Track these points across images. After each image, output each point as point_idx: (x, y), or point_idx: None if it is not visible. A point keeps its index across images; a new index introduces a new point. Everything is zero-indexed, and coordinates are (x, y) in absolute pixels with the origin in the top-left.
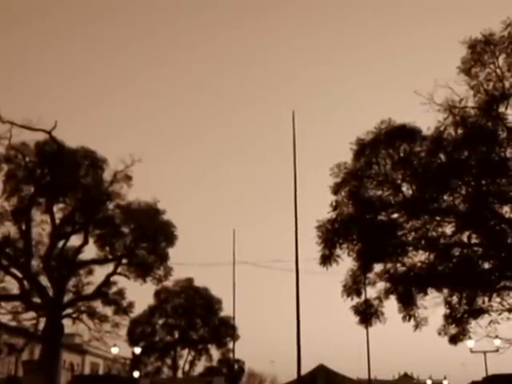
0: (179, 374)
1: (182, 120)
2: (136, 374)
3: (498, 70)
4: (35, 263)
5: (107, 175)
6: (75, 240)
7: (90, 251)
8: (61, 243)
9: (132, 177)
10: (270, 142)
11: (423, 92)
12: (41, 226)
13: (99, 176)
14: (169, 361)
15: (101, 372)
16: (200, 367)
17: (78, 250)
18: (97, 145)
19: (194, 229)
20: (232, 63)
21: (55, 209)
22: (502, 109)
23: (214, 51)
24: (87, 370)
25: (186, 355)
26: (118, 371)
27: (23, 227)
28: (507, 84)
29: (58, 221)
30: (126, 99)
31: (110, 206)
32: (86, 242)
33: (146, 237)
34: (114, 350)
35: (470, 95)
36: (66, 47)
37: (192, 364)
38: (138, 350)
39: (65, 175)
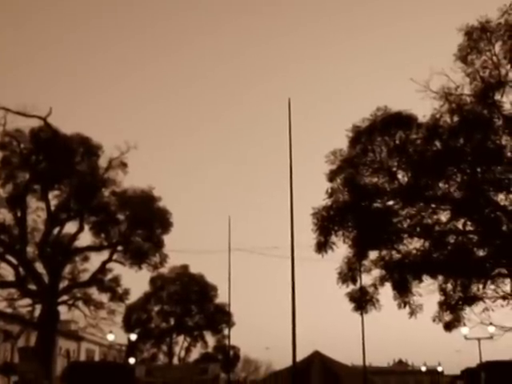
0: (175, 360)
1: (178, 107)
2: (132, 360)
3: (495, 58)
4: (30, 250)
5: (102, 162)
6: (70, 227)
7: (86, 238)
8: (56, 230)
9: (127, 164)
10: (265, 129)
11: (419, 79)
12: (36, 213)
13: (94, 163)
14: (164, 347)
15: (97, 359)
16: (195, 354)
17: (74, 236)
18: (92, 131)
19: (189, 216)
20: (228, 51)
21: (50, 196)
22: (497, 96)
23: (211, 40)
24: (83, 357)
25: (181, 342)
26: (114, 358)
27: (18, 214)
28: (503, 71)
29: (53, 208)
30: (121, 86)
31: (106, 192)
32: (81, 229)
33: (141, 224)
34: (110, 337)
35: (466, 83)
36: (62, 34)
37: (187, 350)
38: (133, 337)
39: (60, 162)
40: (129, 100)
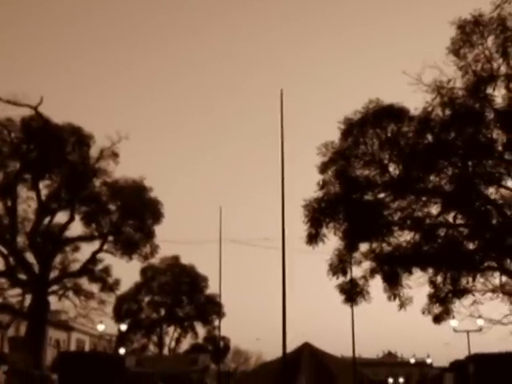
0: (165, 351)
1: (170, 98)
2: (122, 350)
3: (487, 51)
4: (21, 240)
5: (94, 152)
6: (61, 217)
7: (76, 228)
8: (47, 220)
9: (119, 154)
10: (257, 120)
11: (412, 72)
12: (26, 203)
13: (85, 153)
14: (155, 338)
15: (87, 349)
16: (186, 344)
17: (64, 226)
18: (83, 121)
19: (180, 206)
20: (220, 43)
21: (41, 185)
22: (489, 90)
23: (203, 32)
24: (73, 347)
25: (171, 332)
26: (104, 348)
27: (9, 203)
28: (495, 65)
29: (43, 197)
30: (113, 76)
31: (97, 182)
32: (72, 219)
33: (132, 214)
34: (100, 327)
35: (459, 76)
36: (53, 22)
37: (178, 341)
38: (124, 327)
39: (51, 151)
40: (121, 90)
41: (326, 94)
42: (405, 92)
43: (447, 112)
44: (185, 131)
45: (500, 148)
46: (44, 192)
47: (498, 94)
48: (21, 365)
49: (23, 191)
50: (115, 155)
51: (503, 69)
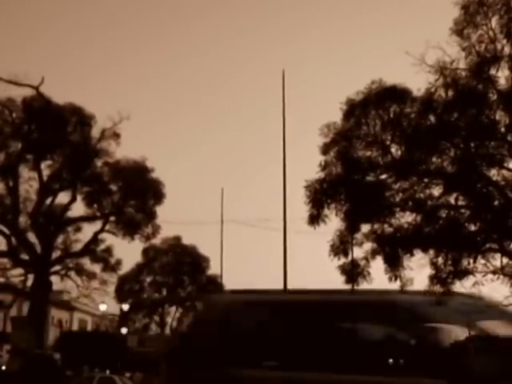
0: (167, 330)
1: (172, 79)
2: (124, 330)
3: (491, 32)
4: (23, 220)
5: (95, 132)
6: (63, 197)
7: (78, 208)
8: (48, 200)
9: (120, 134)
10: (259, 101)
11: (415, 53)
12: (28, 183)
13: (87, 133)
14: (157, 318)
15: (89, 329)
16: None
17: (66, 207)
18: (85, 101)
19: (182, 187)
20: (222, 23)
21: (43, 166)
22: (493, 71)
23: (205, 13)
24: (75, 327)
25: (173, 312)
26: (106, 328)
27: (11, 184)
28: (499, 46)
29: (45, 178)
30: (115, 55)
31: (98, 163)
32: (73, 200)
33: (134, 195)
34: (102, 307)
35: (462, 57)
36: (54, 2)
37: (180, 321)
38: (126, 307)
39: (52, 132)
40: (122, 70)
41: (328, 74)
42: (408, 73)
43: (450, 93)
44: (186, 112)
45: (503, 129)
46: (46, 172)
47: (502, 75)
48: (23, 344)
49: (25, 171)
50: (117, 136)
51: (507, 50)
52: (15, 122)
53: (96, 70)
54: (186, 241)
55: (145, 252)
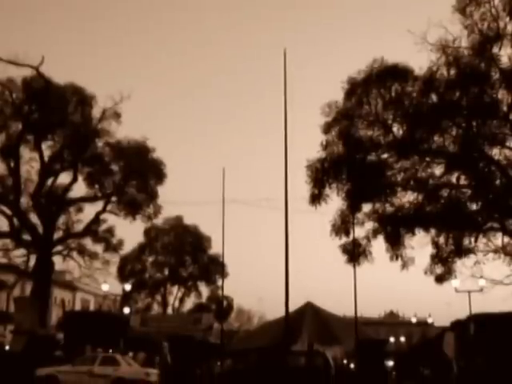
0: (169, 310)
1: (173, 58)
2: (126, 310)
3: (494, 10)
4: (24, 201)
5: (96, 112)
6: (64, 178)
7: (80, 189)
8: (50, 181)
9: (121, 114)
10: (260, 80)
11: (417, 31)
12: (29, 164)
13: (88, 113)
14: (159, 297)
15: (92, 308)
16: (189, 304)
17: (67, 187)
18: (85, 81)
19: (183, 167)
20: (224, 2)
21: (44, 146)
22: (495, 49)
23: None
24: (78, 307)
25: (175, 292)
26: (109, 308)
27: (12, 164)
28: (502, 24)
29: (46, 158)
30: (115, 34)
31: (99, 143)
32: (75, 180)
33: (135, 175)
34: (105, 287)
35: (464, 35)
36: None
37: (181, 301)
38: (128, 287)
39: (53, 112)
40: (123, 50)
41: (330, 52)
42: (410, 51)
43: (452, 72)
44: (188, 92)
45: (505, 108)
46: (47, 153)
47: (504, 54)
48: (26, 324)
49: (26, 152)
50: (117, 115)
51: (510, 28)
52: (15, 103)
53: (97, 49)
54: (187, 220)
55: (146, 232)
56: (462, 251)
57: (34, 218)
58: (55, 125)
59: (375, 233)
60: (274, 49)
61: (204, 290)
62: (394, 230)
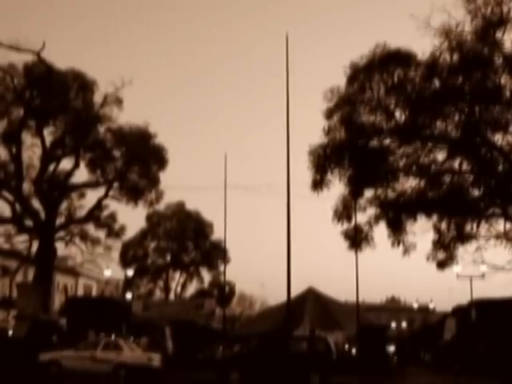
0: (171, 296)
1: (174, 42)
2: (129, 295)
3: None
4: (26, 186)
5: (97, 98)
6: (66, 163)
7: (82, 175)
8: (52, 167)
9: (123, 100)
10: (262, 65)
11: (420, 15)
12: (31, 150)
13: (89, 99)
14: (161, 283)
15: (94, 294)
16: (191, 289)
17: (69, 173)
18: (86, 67)
19: (185, 152)
20: None
21: (45, 132)
22: (498, 34)
23: None
24: (80, 292)
25: (177, 278)
26: (111, 293)
27: (14, 150)
28: (505, 9)
29: (48, 144)
30: (116, 20)
31: (101, 129)
32: (77, 166)
33: (137, 160)
34: (107, 273)
35: (467, 20)
36: None
37: (184, 286)
38: (130, 273)
39: (54, 98)
40: (124, 35)
41: (332, 37)
42: (413, 36)
43: (455, 57)
44: (189, 77)
45: (507, 94)
46: (48, 139)
47: (508, 39)
48: (29, 310)
49: (28, 138)
50: (119, 101)
51: None
52: (17, 88)
53: (98, 35)
54: (189, 206)
55: (148, 218)
56: (463, 237)
57: (36, 203)
58: (57, 110)
59: (377, 219)
60: (276, 34)
61: (206, 275)
62: (396, 215)
